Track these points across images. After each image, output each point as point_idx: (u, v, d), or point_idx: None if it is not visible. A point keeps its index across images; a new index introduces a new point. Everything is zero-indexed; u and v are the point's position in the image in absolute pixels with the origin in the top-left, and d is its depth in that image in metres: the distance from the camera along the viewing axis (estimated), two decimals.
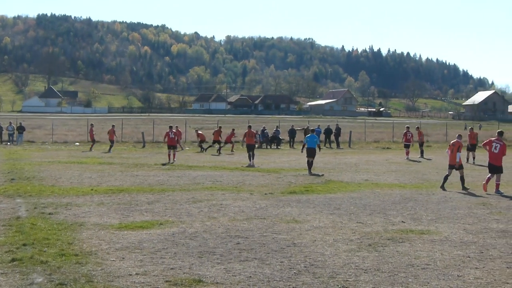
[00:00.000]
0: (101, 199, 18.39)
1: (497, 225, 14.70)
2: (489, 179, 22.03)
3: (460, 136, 24.09)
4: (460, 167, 22.70)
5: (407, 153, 39.49)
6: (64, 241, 12.12)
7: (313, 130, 32.14)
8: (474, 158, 36.68)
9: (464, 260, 10.98)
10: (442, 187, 22.33)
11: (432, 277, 9.76)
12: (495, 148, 22.13)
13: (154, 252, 11.32)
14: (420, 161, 36.73)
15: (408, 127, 42.01)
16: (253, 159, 33.55)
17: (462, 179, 22.58)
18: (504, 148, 22.25)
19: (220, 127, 48.12)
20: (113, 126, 44.96)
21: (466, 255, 11.38)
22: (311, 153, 28.90)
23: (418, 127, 44.34)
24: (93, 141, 45.38)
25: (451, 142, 23.68)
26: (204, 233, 13.22)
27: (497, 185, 21.78)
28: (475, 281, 9.56)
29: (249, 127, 36.63)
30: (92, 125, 47.54)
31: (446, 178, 22.71)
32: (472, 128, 40.83)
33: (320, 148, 31.38)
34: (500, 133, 23.11)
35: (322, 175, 27.41)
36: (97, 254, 11.06)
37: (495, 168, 22.04)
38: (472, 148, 37.49)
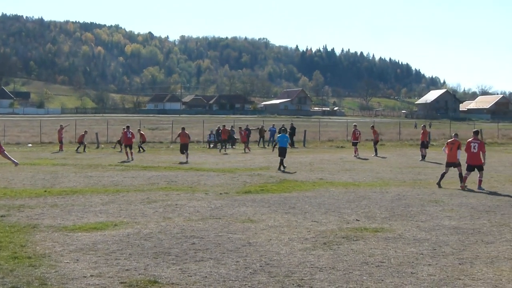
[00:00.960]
0: (55, 201, 18.18)
1: (449, 222, 14.89)
2: (466, 178, 22.47)
3: (456, 135, 24.51)
4: (458, 165, 23.06)
5: (355, 151, 40.08)
6: (17, 243, 11.95)
7: (285, 130, 32.84)
8: (425, 155, 37.08)
9: (418, 257, 11.10)
10: (439, 184, 22.66)
11: (386, 275, 9.85)
12: (474, 148, 22.54)
13: (109, 253, 11.22)
14: (368, 159, 37.07)
15: (355, 125, 42.71)
16: (187, 157, 35.76)
17: (460, 176, 22.88)
18: (482, 146, 22.73)
19: (224, 125, 50.19)
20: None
21: (419, 252, 11.51)
22: (282, 152, 30.02)
23: (373, 126, 44.72)
24: (61, 142, 45.62)
25: (449, 140, 24.14)
26: (159, 233, 13.15)
27: (480, 181, 22.24)
28: (428, 278, 9.67)
29: (183, 128, 38.94)
30: (61, 126, 47.28)
31: (443, 175, 23.05)
32: (424, 126, 41.41)
33: (274, 148, 31.97)
34: (476, 133, 23.59)
35: (295, 172, 28.17)
36: (51, 256, 10.92)
37: (476, 167, 22.45)
38: (424, 145, 37.99)
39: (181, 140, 37.12)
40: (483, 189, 21.54)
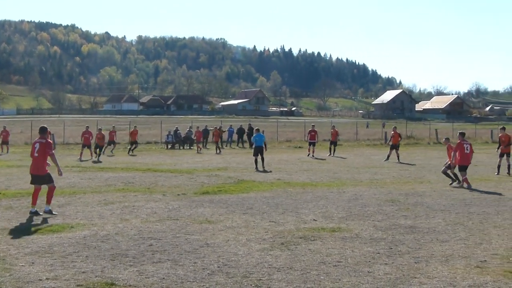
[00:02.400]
0: (10, 203, 17.96)
1: (405, 221, 15.05)
2: (466, 179, 22.85)
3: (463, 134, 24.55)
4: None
5: (310, 150, 40.38)
6: None
7: (257, 130, 33.08)
8: (388, 156, 37.20)
9: (374, 257, 11.19)
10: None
11: (343, 274, 9.91)
12: (467, 149, 23.20)
13: (65, 256, 11.11)
14: (325, 159, 37.30)
15: (313, 125, 42.86)
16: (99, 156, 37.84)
17: (446, 174, 23.55)
18: (471, 146, 23.74)
19: (216, 127, 50.77)
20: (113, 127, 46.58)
21: (376, 251, 11.61)
22: (259, 151, 30.85)
23: (334, 126, 44.80)
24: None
25: (451, 144, 24.41)
26: (116, 235, 13.07)
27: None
28: (384, 277, 9.75)
29: (100, 129, 40.37)
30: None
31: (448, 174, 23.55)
32: (395, 128, 41.33)
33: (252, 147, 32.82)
34: (463, 134, 24.19)
35: (270, 171, 28.88)
36: (5, 259, 10.78)
37: (467, 167, 23.08)
38: (394, 146, 37.80)
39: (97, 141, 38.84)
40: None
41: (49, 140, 16.68)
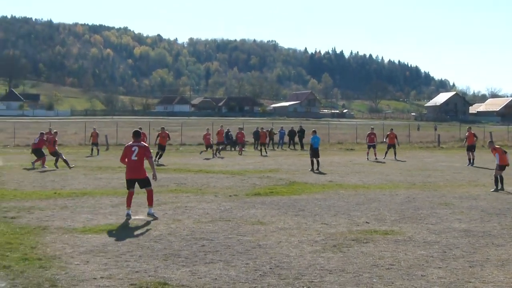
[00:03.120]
0: (65, 203, 18.22)
1: (459, 224, 14.85)
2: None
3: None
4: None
5: (370, 153, 39.83)
6: (27, 245, 11.97)
7: (314, 132, 33.02)
8: (470, 160, 36.82)
9: (428, 260, 11.07)
10: (502, 188, 22.61)
11: (396, 277, 9.83)
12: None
13: (119, 255, 11.23)
14: (385, 162, 36.95)
15: (372, 128, 42.23)
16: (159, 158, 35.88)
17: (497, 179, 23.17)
18: None
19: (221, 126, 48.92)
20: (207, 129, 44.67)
21: (429, 255, 11.48)
22: (316, 153, 31.25)
23: (392, 129, 43.60)
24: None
25: (496, 146, 24.16)
26: (169, 235, 13.16)
27: None
28: (438, 281, 9.64)
29: (162, 128, 38.98)
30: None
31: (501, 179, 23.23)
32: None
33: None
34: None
35: (323, 173, 28.85)
36: (61, 258, 10.94)
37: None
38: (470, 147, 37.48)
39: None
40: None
41: (146, 144, 16.55)
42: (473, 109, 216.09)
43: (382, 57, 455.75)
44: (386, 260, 11.03)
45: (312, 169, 30.26)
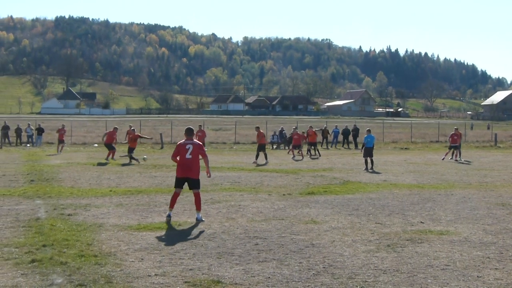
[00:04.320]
0: (120, 200, 18.44)
1: None
2: None
3: None
4: None
5: (451, 154, 38.71)
6: (83, 242, 12.15)
7: (369, 131, 32.80)
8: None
9: (484, 261, 10.93)
10: None
11: (451, 278, 9.72)
12: None
13: (173, 253, 11.33)
14: (471, 163, 35.97)
15: (456, 128, 40.33)
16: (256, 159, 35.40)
17: None
18: None
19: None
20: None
21: (485, 256, 11.33)
22: (369, 153, 31.10)
23: (456, 128, 42.29)
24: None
25: None
26: (223, 234, 13.22)
27: None
28: (495, 282, 9.51)
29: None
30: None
31: None
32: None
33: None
34: None
35: (378, 172, 28.73)
36: (116, 255, 11.08)
37: None
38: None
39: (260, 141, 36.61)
40: None
41: (200, 142, 15.91)
42: None
43: (438, 55, 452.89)
44: (441, 260, 10.92)
45: (366, 168, 30.09)
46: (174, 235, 12.99)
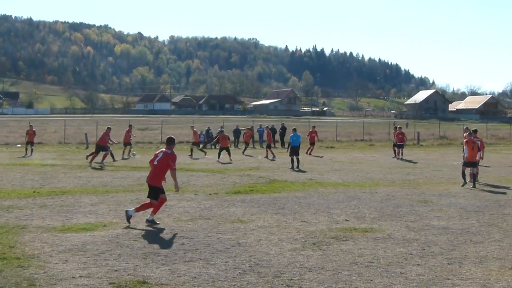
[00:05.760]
0: (44, 202, 18.12)
1: (438, 222, 14.95)
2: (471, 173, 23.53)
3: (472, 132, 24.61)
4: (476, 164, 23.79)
5: (400, 153, 39.12)
6: (5, 244, 11.91)
7: (295, 130, 33.06)
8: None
9: (407, 257, 11.14)
10: (466, 182, 23.38)
11: (375, 275, 9.88)
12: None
13: (98, 254, 11.20)
14: (417, 162, 36.70)
15: (400, 127, 41.15)
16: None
17: (475, 176, 23.47)
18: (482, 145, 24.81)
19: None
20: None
21: (408, 252, 11.55)
22: (295, 151, 31.16)
23: (395, 127, 42.58)
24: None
25: (470, 139, 23.95)
26: (149, 234, 13.15)
27: (477, 173, 23.61)
28: (417, 278, 9.70)
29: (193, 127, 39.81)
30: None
31: (465, 174, 23.70)
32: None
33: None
34: (475, 131, 24.55)
35: (303, 171, 28.92)
36: (40, 257, 10.90)
37: (472, 164, 23.47)
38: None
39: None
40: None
41: (174, 153, 15.30)
42: (453, 106, 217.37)
43: (363, 55, 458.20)
44: (365, 257, 11.09)
45: (292, 167, 30.27)
46: (99, 236, 12.84)
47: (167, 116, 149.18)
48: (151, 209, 14.80)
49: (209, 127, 55.14)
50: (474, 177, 23.25)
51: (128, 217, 14.46)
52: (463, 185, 22.99)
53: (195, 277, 9.64)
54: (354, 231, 13.61)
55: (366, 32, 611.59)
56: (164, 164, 14.86)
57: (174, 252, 11.43)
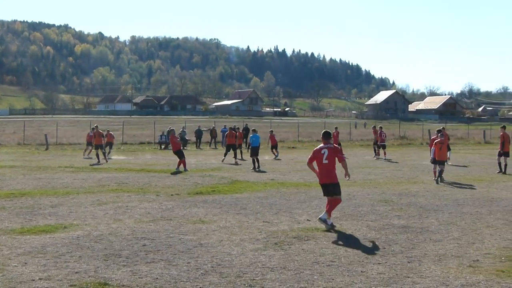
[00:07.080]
0: (2, 204, 17.90)
1: (398, 221, 15.07)
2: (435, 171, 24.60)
3: (442, 133, 25.42)
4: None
5: (384, 154, 39.37)
6: None
7: (254, 130, 33.17)
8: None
9: (368, 256, 11.20)
10: (442, 181, 24.26)
11: (337, 274, 9.92)
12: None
13: (58, 256, 11.09)
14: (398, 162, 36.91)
15: (381, 127, 41.16)
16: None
17: (441, 172, 24.36)
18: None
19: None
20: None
21: (369, 251, 11.62)
22: (255, 152, 31.34)
23: (374, 126, 42.82)
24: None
25: (438, 139, 24.85)
26: (110, 235, 13.05)
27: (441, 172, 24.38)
28: (378, 276, 9.77)
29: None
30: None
31: (441, 172, 24.44)
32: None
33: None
34: (441, 130, 25.64)
35: (264, 172, 29.13)
36: None
37: (441, 162, 24.51)
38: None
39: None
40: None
41: (337, 146, 15.09)
42: (413, 107, 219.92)
43: (324, 56, 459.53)
44: (327, 257, 11.13)
45: (254, 168, 30.32)
46: (59, 238, 12.71)
47: (129, 116, 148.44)
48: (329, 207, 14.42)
49: (170, 128, 54.90)
50: (439, 174, 23.90)
51: (325, 221, 14.03)
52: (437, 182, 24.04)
53: (157, 278, 9.60)
54: (316, 231, 13.66)
55: (327, 33, 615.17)
56: (333, 159, 14.54)
57: (136, 253, 11.36)
